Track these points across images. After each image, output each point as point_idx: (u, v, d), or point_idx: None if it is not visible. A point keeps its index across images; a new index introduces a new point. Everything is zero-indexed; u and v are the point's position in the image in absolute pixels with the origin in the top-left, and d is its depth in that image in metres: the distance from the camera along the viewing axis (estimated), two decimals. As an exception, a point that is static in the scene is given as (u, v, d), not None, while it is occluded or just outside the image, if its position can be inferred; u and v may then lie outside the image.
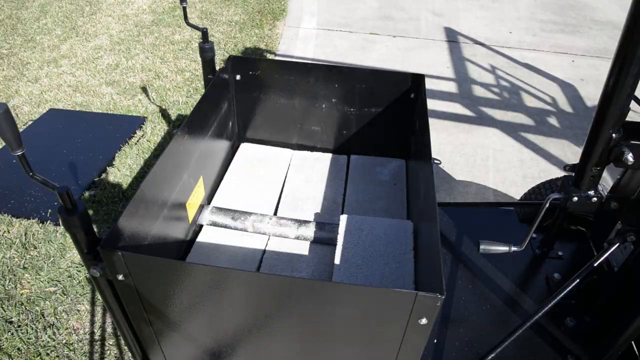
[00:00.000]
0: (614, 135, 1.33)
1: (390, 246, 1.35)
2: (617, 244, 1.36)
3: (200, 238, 1.43)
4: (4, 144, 2.95)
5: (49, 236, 2.34)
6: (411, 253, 1.33)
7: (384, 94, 1.76)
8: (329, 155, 1.89)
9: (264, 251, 1.40)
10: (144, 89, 3.62)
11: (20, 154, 0.89)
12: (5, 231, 2.37)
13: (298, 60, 3.84)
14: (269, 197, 1.61)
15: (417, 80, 1.69)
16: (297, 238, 1.43)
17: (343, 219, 1.44)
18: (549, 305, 1.33)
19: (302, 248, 1.41)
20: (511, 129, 3.42)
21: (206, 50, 1.70)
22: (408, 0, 5.57)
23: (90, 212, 2.50)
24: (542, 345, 1.48)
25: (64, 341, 1.92)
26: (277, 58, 4.23)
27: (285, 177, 1.75)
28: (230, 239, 1.44)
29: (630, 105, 1.29)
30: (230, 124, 1.85)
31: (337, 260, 1.31)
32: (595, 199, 1.47)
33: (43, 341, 1.91)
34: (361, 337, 1.04)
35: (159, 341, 1.19)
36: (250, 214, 1.47)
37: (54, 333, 1.94)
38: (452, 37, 4.78)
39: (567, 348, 1.47)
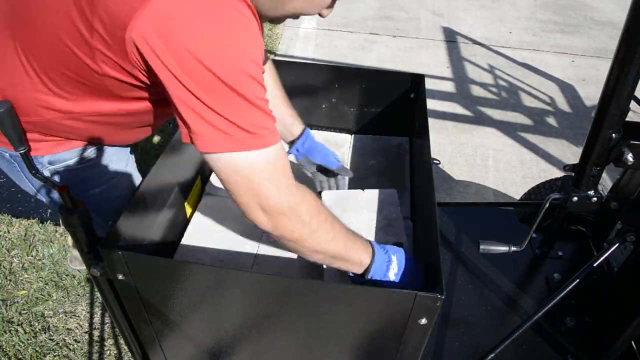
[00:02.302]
0: (613, 135, 1.32)
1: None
2: (617, 244, 1.36)
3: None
4: (4, 144, 2.96)
5: (49, 236, 2.34)
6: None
7: (384, 94, 1.76)
8: (329, 155, 1.89)
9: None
10: (144, 89, 3.61)
11: (23, 151, 0.89)
12: (5, 231, 2.37)
13: (298, 60, 3.84)
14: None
15: (417, 80, 1.69)
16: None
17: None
18: (549, 305, 1.33)
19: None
20: (511, 129, 3.43)
21: (206, 50, 1.70)
22: (408, 0, 5.57)
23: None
24: (542, 345, 1.48)
25: (64, 341, 1.92)
26: (277, 58, 4.23)
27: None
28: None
29: (630, 105, 1.29)
30: (230, 124, 1.85)
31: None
32: (595, 199, 1.47)
33: (42, 341, 1.91)
34: (360, 337, 1.04)
35: (159, 341, 1.19)
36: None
37: (53, 333, 1.94)
38: (452, 37, 4.78)
39: (567, 348, 1.47)
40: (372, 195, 1.43)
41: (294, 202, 0.90)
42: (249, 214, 0.90)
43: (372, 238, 1.29)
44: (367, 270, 1.06)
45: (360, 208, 1.39)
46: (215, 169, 0.87)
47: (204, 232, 1.43)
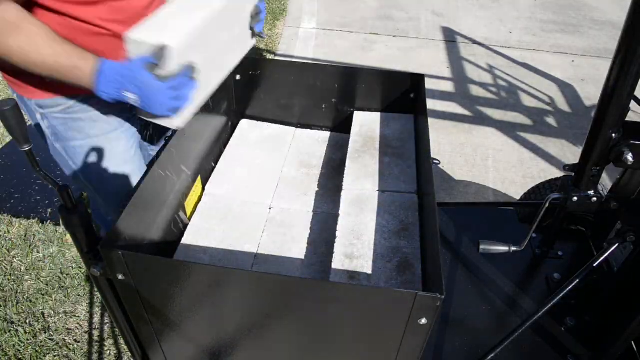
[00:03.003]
0: (613, 135, 1.33)
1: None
2: (617, 244, 1.36)
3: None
4: (2, 144, 2.95)
5: (49, 236, 2.34)
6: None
7: (384, 94, 1.76)
8: (329, 155, 1.89)
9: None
10: (144, 89, 3.61)
11: (27, 149, 0.89)
12: (5, 231, 2.37)
13: (298, 60, 3.84)
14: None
15: (417, 80, 1.69)
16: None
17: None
18: (549, 305, 1.33)
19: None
20: (511, 129, 3.43)
21: (206, 50, 1.70)
22: (408, 0, 5.57)
23: (90, 211, 2.50)
24: (542, 345, 1.49)
25: (64, 341, 1.92)
26: (277, 58, 4.23)
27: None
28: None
29: (630, 105, 1.29)
30: (230, 124, 1.85)
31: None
32: (595, 199, 1.47)
33: (42, 341, 1.91)
34: (360, 337, 1.04)
35: (159, 341, 1.19)
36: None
37: (53, 333, 1.94)
38: (452, 37, 4.78)
39: (567, 348, 1.47)
40: (390, 198, 1.43)
41: None
42: None
43: (385, 241, 1.29)
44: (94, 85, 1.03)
45: (378, 210, 1.39)
46: None
47: (204, 232, 1.43)
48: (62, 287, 2.12)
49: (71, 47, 1.04)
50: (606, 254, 1.36)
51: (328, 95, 1.80)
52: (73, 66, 1.03)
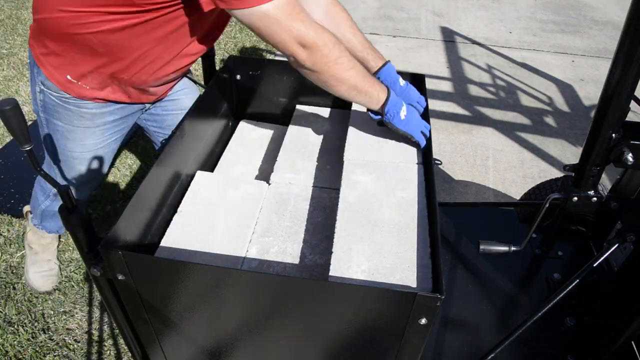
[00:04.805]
0: (613, 135, 1.33)
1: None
2: (617, 244, 1.36)
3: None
4: (2, 144, 2.95)
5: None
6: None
7: (384, 94, 1.76)
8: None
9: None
10: (144, 89, 3.61)
11: (28, 149, 0.89)
12: (5, 231, 2.37)
13: (298, 61, 3.83)
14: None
15: (417, 80, 1.69)
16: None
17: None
18: (549, 305, 1.33)
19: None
20: (511, 129, 3.43)
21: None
22: (408, 0, 5.57)
23: (90, 211, 2.50)
24: (542, 345, 1.49)
25: (64, 341, 1.92)
26: (277, 58, 4.23)
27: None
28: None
29: (630, 105, 1.30)
30: (230, 123, 1.85)
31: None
32: (595, 199, 1.47)
33: (42, 341, 1.91)
34: (361, 337, 1.04)
35: (159, 341, 1.19)
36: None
37: (53, 333, 1.94)
38: (452, 37, 4.78)
39: (567, 348, 1.47)
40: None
41: (319, 31, 1.10)
42: (289, 49, 1.10)
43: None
44: (384, 105, 1.28)
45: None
46: (250, 22, 1.07)
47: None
48: (62, 287, 2.12)
49: (370, 75, 1.29)
50: (606, 254, 1.36)
51: (328, 95, 1.79)
52: (376, 95, 1.28)
